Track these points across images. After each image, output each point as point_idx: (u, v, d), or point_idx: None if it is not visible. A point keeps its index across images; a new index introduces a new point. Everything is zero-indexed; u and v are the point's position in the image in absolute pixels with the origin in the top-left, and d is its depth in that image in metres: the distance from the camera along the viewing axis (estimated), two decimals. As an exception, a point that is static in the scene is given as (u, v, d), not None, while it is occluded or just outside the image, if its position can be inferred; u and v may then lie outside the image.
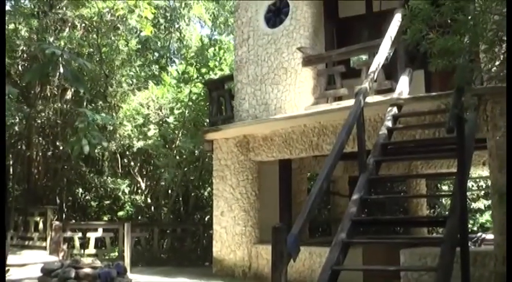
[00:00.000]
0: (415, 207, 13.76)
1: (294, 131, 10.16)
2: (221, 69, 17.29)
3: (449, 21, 5.48)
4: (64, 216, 16.89)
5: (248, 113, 11.00)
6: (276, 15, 10.98)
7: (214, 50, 18.04)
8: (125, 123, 16.42)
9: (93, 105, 17.45)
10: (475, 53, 5.98)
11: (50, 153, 17.61)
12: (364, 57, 11.01)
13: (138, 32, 19.03)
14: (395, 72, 9.07)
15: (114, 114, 17.08)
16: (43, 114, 16.65)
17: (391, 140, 7.73)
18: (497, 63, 6.01)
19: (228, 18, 21.16)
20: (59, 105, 16.66)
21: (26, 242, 13.99)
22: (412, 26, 5.56)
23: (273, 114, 10.50)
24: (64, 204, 17.45)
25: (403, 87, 8.68)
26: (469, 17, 5.28)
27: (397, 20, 8.58)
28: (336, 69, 9.80)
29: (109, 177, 18.03)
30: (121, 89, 17.56)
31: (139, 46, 19.44)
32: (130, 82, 18.19)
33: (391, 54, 8.96)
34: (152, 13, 16.88)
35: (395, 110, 8.02)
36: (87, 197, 18.33)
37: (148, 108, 16.64)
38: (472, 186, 16.91)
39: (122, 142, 16.65)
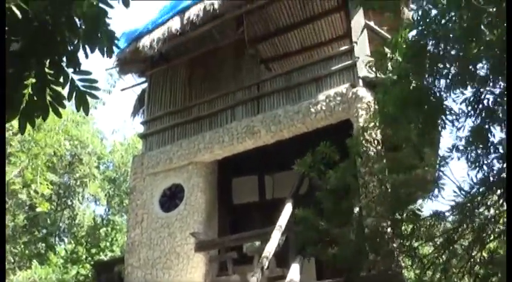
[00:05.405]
0: None
1: (184, 318, 9.78)
2: (112, 251, 16.85)
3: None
4: None
5: (137, 298, 10.53)
6: (170, 200, 11.07)
7: (107, 230, 17.72)
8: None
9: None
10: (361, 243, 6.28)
11: None
12: (257, 242, 11.13)
13: (27, 207, 18.43)
14: (287, 259, 9.17)
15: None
16: None
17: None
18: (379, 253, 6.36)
19: (123, 199, 21.14)
20: None
21: None
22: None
23: (163, 300, 10.11)
24: None
25: (294, 274, 8.72)
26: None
27: (288, 208, 8.90)
28: (228, 255, 9.79)
29: None
30: (1, 268, 16.46)
31: (27, 222, 18.72)
32: (12, 260, 17.17)
33: (283, 240, 9.12)
34: (50, 189, 16.61)
35: (287, 298, 8.00)
36: None
37: (29, 290, 15.59)
38: None
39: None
